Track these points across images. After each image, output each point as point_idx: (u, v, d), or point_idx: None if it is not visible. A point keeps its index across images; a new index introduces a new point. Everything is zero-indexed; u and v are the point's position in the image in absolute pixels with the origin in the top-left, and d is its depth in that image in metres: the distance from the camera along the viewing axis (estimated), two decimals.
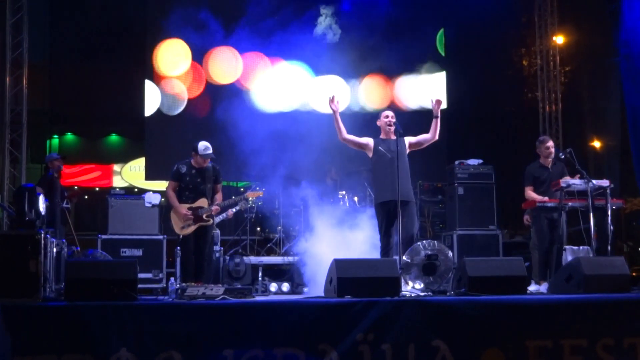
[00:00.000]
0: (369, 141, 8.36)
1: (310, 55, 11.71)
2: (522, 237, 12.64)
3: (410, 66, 13.38)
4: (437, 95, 8.58)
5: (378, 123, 8.47)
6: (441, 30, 13.65)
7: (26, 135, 11.80)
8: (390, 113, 8.46)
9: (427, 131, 8.37)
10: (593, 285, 6.69)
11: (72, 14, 12.65)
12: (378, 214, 8.26)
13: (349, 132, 8.36)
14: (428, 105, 8.54)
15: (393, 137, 8.25)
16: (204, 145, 8.70)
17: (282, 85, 12.69)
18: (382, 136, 8.42)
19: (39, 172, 10.87)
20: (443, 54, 13.75)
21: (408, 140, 8.36)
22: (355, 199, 10.86)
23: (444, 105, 9.17)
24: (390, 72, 13.32)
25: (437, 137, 8.37)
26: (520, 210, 9.50)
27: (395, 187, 7.84)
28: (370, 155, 8.36)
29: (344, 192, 10.89)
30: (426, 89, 13.36)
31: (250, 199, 9.68)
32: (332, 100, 8.21)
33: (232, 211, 10.16)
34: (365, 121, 9.95)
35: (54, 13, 12.73)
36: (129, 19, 12.54)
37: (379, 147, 8.26)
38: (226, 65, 12.78)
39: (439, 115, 8.30)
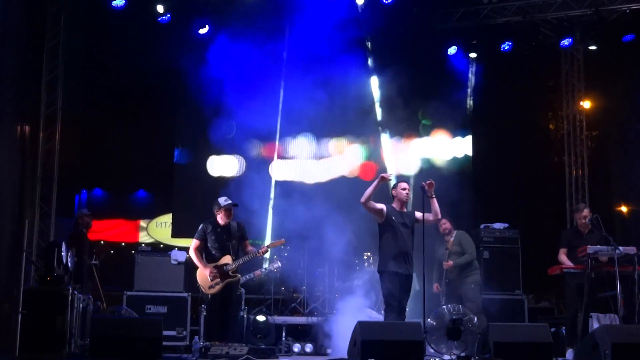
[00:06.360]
0: (383, 207, 8.27)
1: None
2: (548, 303, 12.51)
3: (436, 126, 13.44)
4: (428, 180, 8.40)
5: (394, 193, 8.42)
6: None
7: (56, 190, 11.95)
8: (406, 185, 8.47)
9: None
10: (620, 353, 6.62)
11: (105, 73, 12.94)
12: (387, 281, 8.07)
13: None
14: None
15: (405, 209, 8.33)
16: (223, 198, 8.90)
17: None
18: (394, 205, 8.35)
19: (66, 226, 10.97)
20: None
21: (417, 214, 8.34)
22: None
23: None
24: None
25: (439, 216, 8.34)
26: (546, 276, 9.43)
27: (406, 261, 8.06)
28: (381, 221, 8.27)
29: (368, 253, 10.90)
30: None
31: (270, 251, 9.73)
32: (387, 176, 8.32)
33: (259, 271, 10.20)
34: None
35: (87, 72, 13.03)
36: (158, 79, 12.81)
37: (392, 217, 8.22)
38: None
39: (433, 195, 8.26)
